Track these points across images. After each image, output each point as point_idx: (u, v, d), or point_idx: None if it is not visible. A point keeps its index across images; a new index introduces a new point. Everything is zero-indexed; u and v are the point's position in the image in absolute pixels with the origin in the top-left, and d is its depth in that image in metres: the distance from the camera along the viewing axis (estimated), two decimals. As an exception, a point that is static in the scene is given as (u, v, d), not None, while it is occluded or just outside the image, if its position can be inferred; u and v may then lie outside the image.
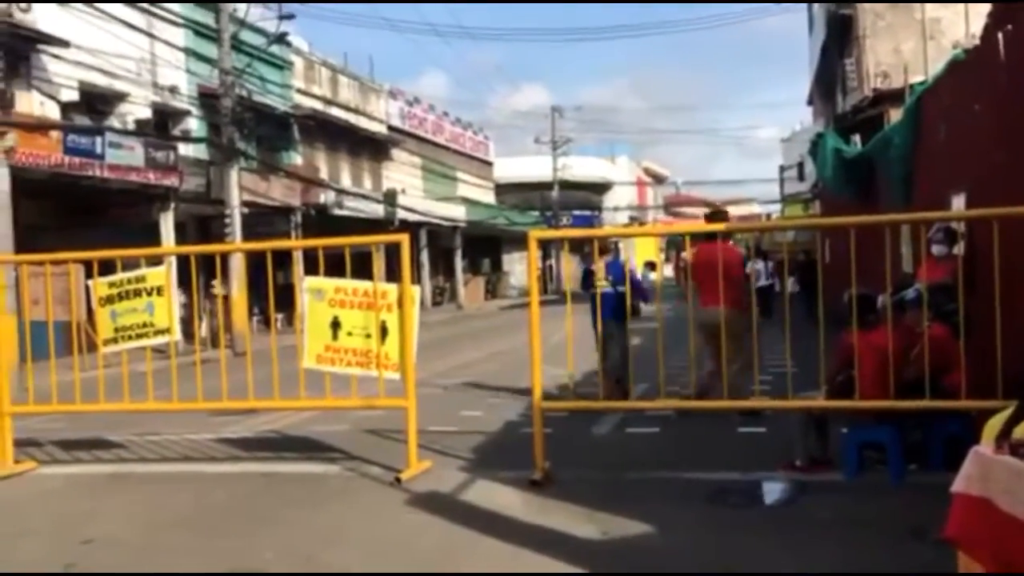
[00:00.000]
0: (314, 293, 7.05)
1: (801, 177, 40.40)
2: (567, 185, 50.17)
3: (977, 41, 8.23)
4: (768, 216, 50.36)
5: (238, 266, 19.71)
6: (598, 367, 8.11)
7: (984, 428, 5.05)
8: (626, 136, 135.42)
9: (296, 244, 16.75)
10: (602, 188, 57.44)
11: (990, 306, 5.87)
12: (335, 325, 6.94)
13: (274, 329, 7.34)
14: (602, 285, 9.58)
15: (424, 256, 34.77)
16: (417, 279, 33.53)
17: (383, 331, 6.86)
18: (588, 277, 9.88)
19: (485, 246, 44.11)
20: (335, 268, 7.30)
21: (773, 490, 6.02)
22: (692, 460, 6.96)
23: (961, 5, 20.09)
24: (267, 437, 8.68)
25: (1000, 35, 6.91)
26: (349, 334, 6.94)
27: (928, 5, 20.42)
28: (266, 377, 7.22)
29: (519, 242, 47.39)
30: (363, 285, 6.98)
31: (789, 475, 6.27)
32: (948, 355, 6.03)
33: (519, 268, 47.08)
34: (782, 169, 50.71)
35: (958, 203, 8.23)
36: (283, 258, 24.67)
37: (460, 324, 26.53)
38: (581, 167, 53.17)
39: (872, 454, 6.31)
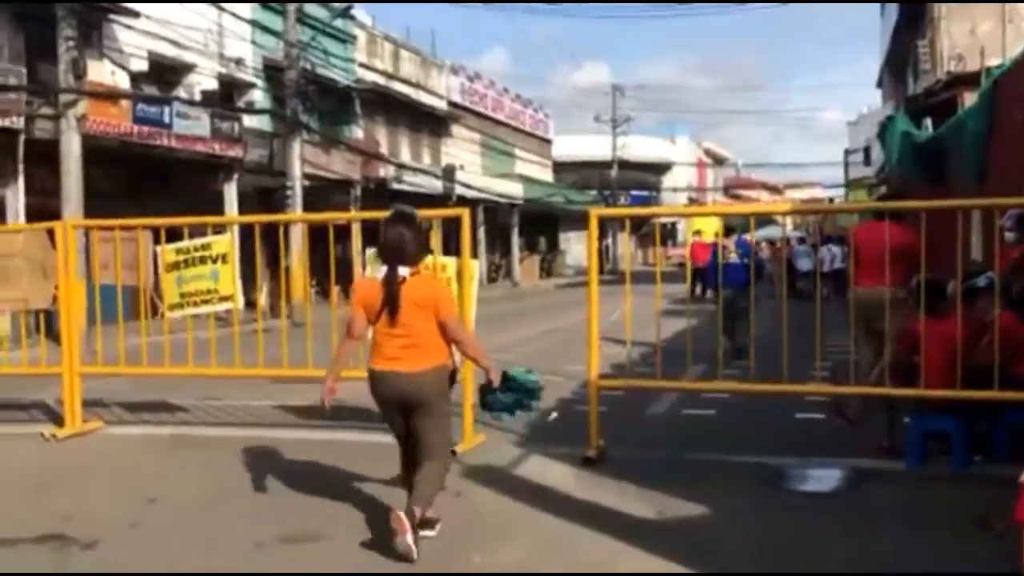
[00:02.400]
0: (376, 263, 7.09)
1: (867, 161, 39.46)
2: (626, 165, 49.78)
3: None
4: (831, 200, 49.34)
5: (298, 238, 19.98)
6: (720, 340, 7.73)
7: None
8: (687, 116, 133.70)
9: (356, 216, 16.91)
10: (661, 168, 56.94)
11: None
12: (395, 295, 6.98)
13: (334, 300, 7.41)
14: (732, 257, 11.12)
15: (481, 233, 34.79)
16: (474, 255, 33.70)
17: (442, 304, 6.88)
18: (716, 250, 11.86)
19: (542, 224, 44.03)
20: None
21: (832, 476, 5.95)
22: (748, 444, 6.88)
23: (1042, -14, 19.41)
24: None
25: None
26: (408, 306, 6.97)
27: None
28: (324, 347, 7.30)
29: (576, 221, 47.18)
30: (428, 259, 7.00)
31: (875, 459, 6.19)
32: (1018, 344, 5.87)
33: (575, 247, 46.90)
34: (847, 153, 49.61)
35: (1034, 190, 7.98)
36: (341, 232, 24.96)
37: (515, 301, 26.56)
38: (640, 147, 52.72)
39: (936, 444, 6.17)
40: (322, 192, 24.10)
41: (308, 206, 21.22)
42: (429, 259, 6.95)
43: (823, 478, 5.93)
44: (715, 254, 12.12)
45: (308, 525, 5.13)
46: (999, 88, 9.93)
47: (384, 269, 4.67)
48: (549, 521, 5.16)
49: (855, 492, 5.66)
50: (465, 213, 6.89)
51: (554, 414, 8.34)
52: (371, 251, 7.25)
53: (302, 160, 21.21)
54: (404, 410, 4.72)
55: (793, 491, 5.73)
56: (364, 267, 7.25)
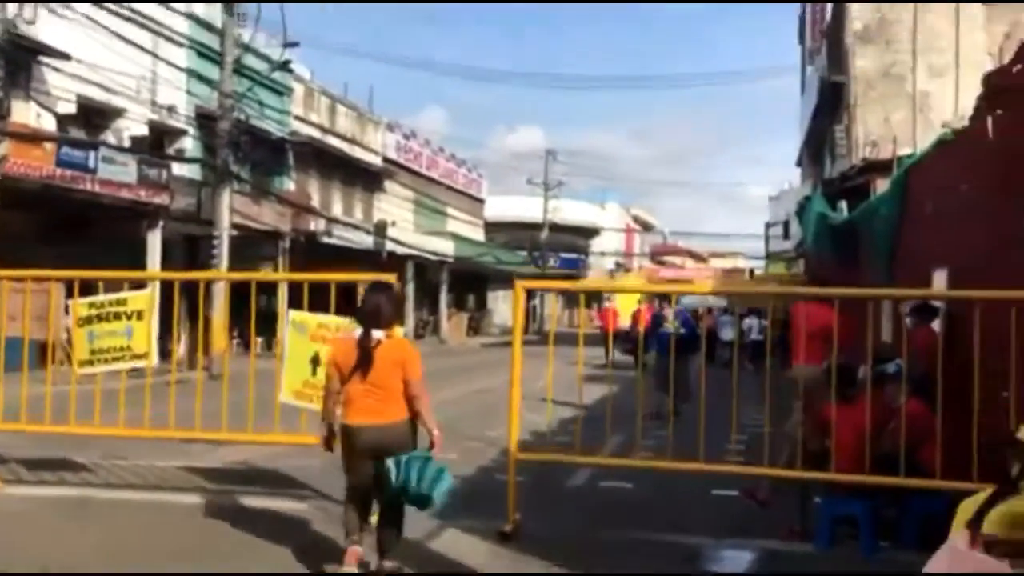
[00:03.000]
0: (296, 327, 7.03)
1: (786, 236, 40.73)
2: (556, 228, 50.42)
3: (966, 121, 8.40)
4: (752, 272, 50.62)
5: (222, 288, 19.63)
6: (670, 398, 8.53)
7: (958, 510, 5.10)
8: (617, 183, 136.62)
9: (282, 276, 16.66)
10: (590, 232, 57.76)
11: (968, 386, 5.91)
12: (315, 361, 6.90)
13: (253, 361, 7.28)
14: (671, 329, 11.72)
15: (410, 289, 34.74)
16: (403, 310, 33.53)
17: (364, 370, 6.82)
18: (659, 321, 13.07)
19: (471, 282, 44.18)
20: (322, 295, 7.25)
21: (744, 558, 6.00)
22: (664, 520, 6.92)
23: (951, 80, 20.49)
24: (236, 469, 8.57)
25: (990, 119, 7.04)
26: (329, 371, 6.90)
27: (919, 79, 20.77)
28: (241, 402, 7.15)
29: (505, 281, 47.43)
30: (346, 321, 6.94)
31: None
32: (924, 431, 6.05)
33: (503, 307, 47.08)
34: (768, 226, 51.14)
35: (939, 279, 8.31)
36: (267, 284, 24.64)
37: (441, 359, 26.41)
38: (571, 210, 53.53)
39: (846, 528, 6.29)
40: (250, 242, 23.81)
41: (236, 256, 20.93)
42: (349, 323, 6.94)
43: (737, 560, 5.98)
44: (655, 320, 13.13)
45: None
46: (910, 178, 10.35)
47: (360, 331, 5.22)
48: (460, 601, 5.08)
49: None
50: (392, 278, 6.86)
51: (473, 483, 8.29)
52: (293, 313, 7.17)
53: (231, 210, 20.97)
54: (375, 459, 5.16)
55: (706, 573, 5.76)
56: (287, 322, 7.13)
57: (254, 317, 7.24)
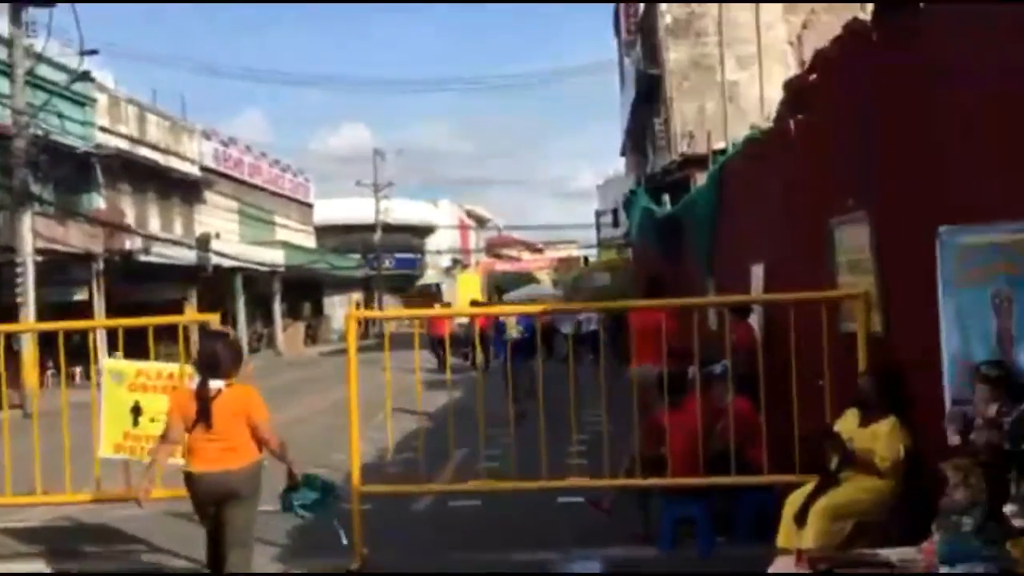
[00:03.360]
0: (112, 376, 6.58)
1: (616, 223, 42.02)
2: (390, 228, 49.96)
3: (769, 119, 8.85)
4: (586, 259, 51.93)
5: (30, 318, 18.29)
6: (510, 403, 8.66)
7: (785, 504, 5.36)
8: (449, 179, 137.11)
9: (96, 324, 15.24)
10: (425, 231, 57.63)
11: (787, 383, 6.22)
12: (136, 411, 6.50)
13: (65, 416, 6.72)
14: (514, 334, 12.35)
15: (240, 303, 33.57)
16: (233, 327, 32.30)
17: (189, 416, 6.47)
18: (502, 327, 12.97)
19: (305, 290, 43.12)
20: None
21: (592, 570, 6.10)
22: (513, 536, 6.94)
23: (756, 69, 21.66)
24: (56, 526, 7.96)
25: (792, 122, 7.43)
26: (152, 420, 6.50)
27: (728, 69, 21.84)
28: (58, 446, 6.62)
29: (341, 285, 46.69)
30: (167, 368, 6.59)
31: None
32: (751, 429, 6.33)
33: (340, 312, 46.26)
34: (598, 215, 52.60)
35: (757, 272, 8.74)
36: (83, 309, 23.17)
37: (278, 374, 25.64)
38: (403, 210, 53.19)
39: (686, 527, 6.50)
40: (59, 267, 22.30)
41: (43, 283, 19.56)
42: (175, 368, 6.59)
43: (585, 573, 6.06)
44: (499, 327, 13.32)
45: None
46: (724, 174, 10.84)
47: (197, 381, 5.19)
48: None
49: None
50: (216, 319, 6.55)
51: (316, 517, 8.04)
52: (108, 362, 6.72)
53: (34, 234, 19.53)
54: (217, 505, 5.18)
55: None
56: (102, 371, 6.68)
57: (64, 366, 6.68)
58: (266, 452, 5.36)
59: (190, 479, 5.18)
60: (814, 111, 6.84)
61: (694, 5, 22.10)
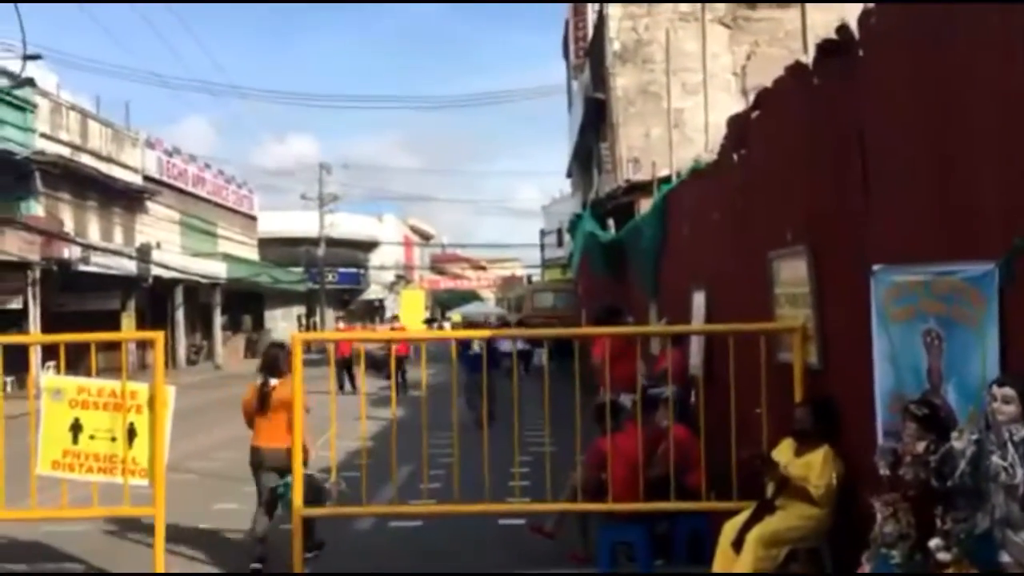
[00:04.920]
0: (52, 393, 6.48)
1: (560, 243, 42.35)
2: (333, 242, 49.53)
3: (714, 150, 9.06)
4: (529, 278, 52.21)
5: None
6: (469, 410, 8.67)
7: (722, 530, 5.50)
8: (394, 194, 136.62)
9: (35, 339, 14.87)
10: (369, 246, 57.30)
11: (725, 411, 6.39)
12: (76, 428, 6.41)
13: (2, 432, 6.59)
14: (475, 347, 13.69)
15: (180, 314, 33.03)
16: (172, 338, 31.74)
17: (131, 434, 6.41)
18: (468, 343, 14.32)
19: (247, 302, 42.57)
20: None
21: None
22: (453, 558, 6.98)
23: (700, 97, 22.08)
24: (-11, 543, 7.79)
25: (735, 156, 7.64)
26: (92, 437, 6.43)
27: (673, 96, 22.24)
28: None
29: (283, 299, 46.20)
30: (110, 385, 6.51)
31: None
32: (690, 455, 6.48)
33: (282, 324, 45.77)
34: (543, 234, 52.93)
35: (699, 299, 8.93)
36: (17, 318, 22.60)
37: (217, 388, 25.21)
38: (348, 224, 52.79)
39: (624, 549, 6.62)
40: (-7, 275, 21.77)
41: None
42: (118, 385, 6.51)
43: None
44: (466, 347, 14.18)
45: None
46: (668, 203, 11.06)
47: (260, 379, 7.04)
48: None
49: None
50: (159, 337, 6.50)
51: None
52: (47, 379, 6.61)
53: (-32, 241, 19.07)
54: (271, 470, 6.75)
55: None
56: (41, 389, 6.56)
57: (1, 387, 6.55)
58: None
59: (253, 450, 6.92)
60: (756, 147, 7.06)
61: (640, 30, 22.48)
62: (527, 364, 20.64)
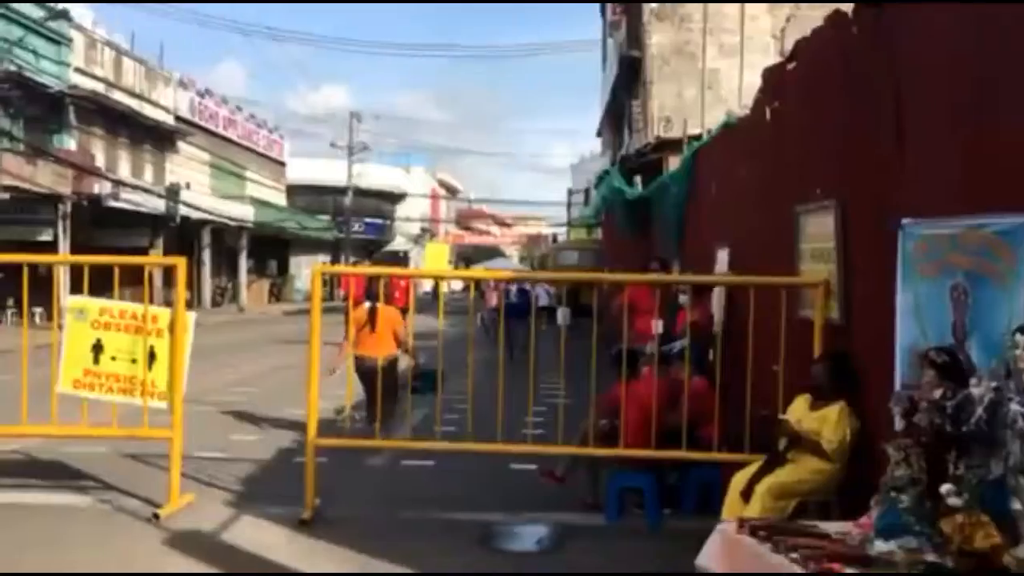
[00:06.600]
0: (76, 313, 6.55)
1: (587, 202, 42.10)
2: (361, 192, 49.58)
3: (747, 107, 8.92)
4: (555, 237, 52.06)
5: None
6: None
7: (732, 481, 5.49)
8: (423, 147, 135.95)
9: (59, 259, 15.20)
10: (396, 197, 57.29)
11: (743, 365, 6.35)
12: (97, 348, 6.48)
13: (26, 341, 6.68)
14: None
15: (206, 255, 33.30)
16: (198, 278, 32.04)
17: (151, 357, 6.48)
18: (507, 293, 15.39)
19: (272, 248, 42.82)
20: (108, 270, 6.72)
21: (538, 533, 6.20)
22: (463, 498, 7.04)
23: (738, 59, 21.73)
24: (10, 459, 7.95)
25: (768, 110, 7.51)
26: (113, 358, 6.51)
27: (709, 57, 21.91)
28: (16, 383, 6.58)
29: (308, 246, 46.39)
30: (132, 307, 6.57)
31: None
32: (706, 407, 6.45)
33: (305, 272, 45.96)
34: (570, 193, 52.69)
35: (722, 256, 8.86)
36: (47, 251, 22.86)
37: (240, 329, 25.52)
38: (376, 174, 52.75)
39: (633, 497, 6.64)
40: (25, 206, 21.98)
41: (8, 221, 19.28)
42: (140, 307, 6.56)
43: (531, 536, 6.17)
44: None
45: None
46: (697, 159, 10.94)
47: (368, 303, 8.87)
48: (257, 595, 4.97)
49: (558, 551, 5.94)
50: (182, 263, 6.53)
51: (271, 467, 8.09)
52: (72, 298, 6.67)
53: (2, 171, 19.24)
54: (374, 377, 8.11)
55: (502, 550, 5.92)
56: (65, 308, 6.63)
57: (26, 299, 6.60)
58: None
59: (358, 359, 8.52)
60: (790, 100, 6.93)
61: (681, -10, 22.10)
62: (550, 321, 20.65)
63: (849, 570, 2.91)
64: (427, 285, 41.77)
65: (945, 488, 2.96)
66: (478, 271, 18.16)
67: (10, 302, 20.37)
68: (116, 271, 6.66)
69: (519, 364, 9.99)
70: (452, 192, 75.71)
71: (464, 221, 73.16)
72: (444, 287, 17.11)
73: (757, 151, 7.77)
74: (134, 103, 29.91)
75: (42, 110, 24.24)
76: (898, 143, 4.87)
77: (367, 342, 8.61)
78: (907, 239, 4.52)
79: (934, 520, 2.99)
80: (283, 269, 45.69)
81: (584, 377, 6.76)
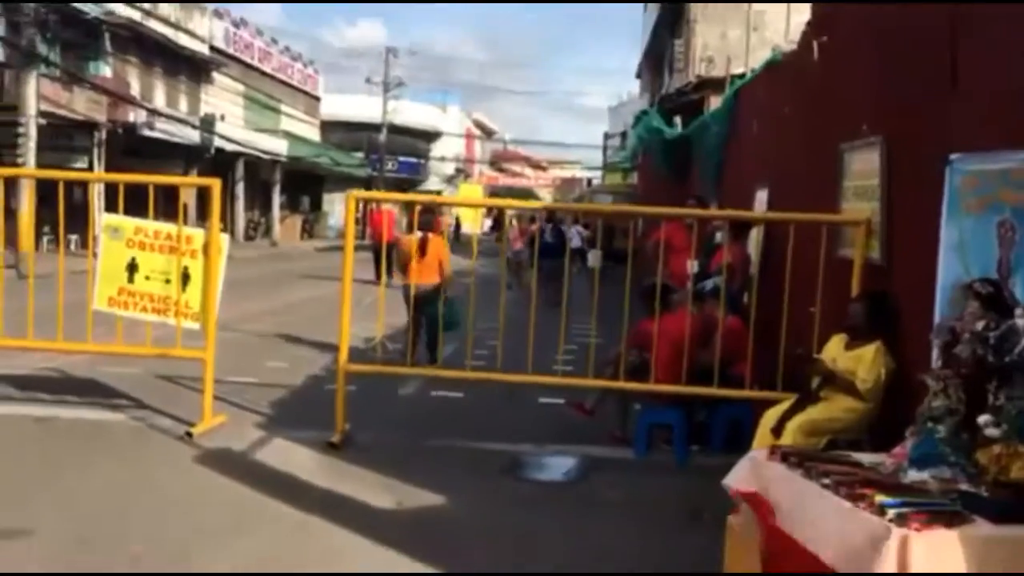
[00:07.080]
0: (111, 231, 6.58)
1: (623, 145, 41.58)
2: (396, 129, 49.34)
3: (794, 44, 8.69)
4: (589, 181, 51.65)
5: (27, 181, 18.19)
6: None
7: (762, 418, 5.45)
8: (459, 85, 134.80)
9: (94, 177, 15.34)
10: (431, 136, 56.95)
11: (778, 304, 6.26)
12: (132, 267, 6.52)
13: (62, 261, 6.73)
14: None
15: (240, 189, 33.40)
16: (231, 212, 32.21)
17: (185, 278, 6.52)
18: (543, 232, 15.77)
19: (306, 183, 42.84)
20: (143, 194, 6.75)
21: (565, 464, 6.22)
22: (491, 429, 7.06)
23: (784, 4, 21.16)
24: (47, 376, 8.09)
25: (815, 44, 7.30)
26: (147, 278, 6.55)
27: (755, -3, 21.34)
28: (52, 305, 6.68)
29: (341, 182, 46.34)
30: (166, 228, 6.59)
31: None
32: (739, 346, 6.39)
33: (339, 209, 46.02)
34: (607, 136, 52.03)
35: (761, 196, 8.72)
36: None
37: (273, 263, 25.70)
38: (411, 112, 52.39)
39: (661, 432, 6.63)
40: (61, 133, 22.10)
41: (45, 147, 19.40)
42: (174, 228, 6.58)
43: (557, 467, 6.19)
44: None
45: (15, 521, 4.68)
46: (739, 98, 10.71)
47: (419, 233, 8.83)
48: (286, 511, 5.04)
49: (585, 482, 5.95)
50: (216, 184, 6.52)
51: (302, 393, 8.17)
52: (107, 217, 6.70)
53: (39, 96, 19.29)
54: (420, 304, 8.22)
55: (528, 479, 5.95)
56: (101, 227, 6.67)
57: (63, 219, 6.65)
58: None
59: (407, 287, 8.44)
60: (839, 34, 6.72)
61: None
62: (583, 263, 20.39)
63: (880, 496, 2.87)
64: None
65: (983, 419, 2.90)
66: (514, 201, 17.85)
67: (46, 228, 20.58)
68: (151, 189, 6.68)
69: (550, 307, 9.96)
70: (487, 133, 75.14)
71: (498, 162, 72.73)
72: (476, 228, 17.10)
73: (802, 87, 7.57)
74: (170, 32, 29.80)
75: (78, 36, 24.21)
76: (952, 79, 4.71)
77: (417, 269, 8.79)
78: (955, 174, 4.39)
79: (970, 451, 2.94)
80: (316, 205, 45.77)
81: (617, 320, 6.70)
